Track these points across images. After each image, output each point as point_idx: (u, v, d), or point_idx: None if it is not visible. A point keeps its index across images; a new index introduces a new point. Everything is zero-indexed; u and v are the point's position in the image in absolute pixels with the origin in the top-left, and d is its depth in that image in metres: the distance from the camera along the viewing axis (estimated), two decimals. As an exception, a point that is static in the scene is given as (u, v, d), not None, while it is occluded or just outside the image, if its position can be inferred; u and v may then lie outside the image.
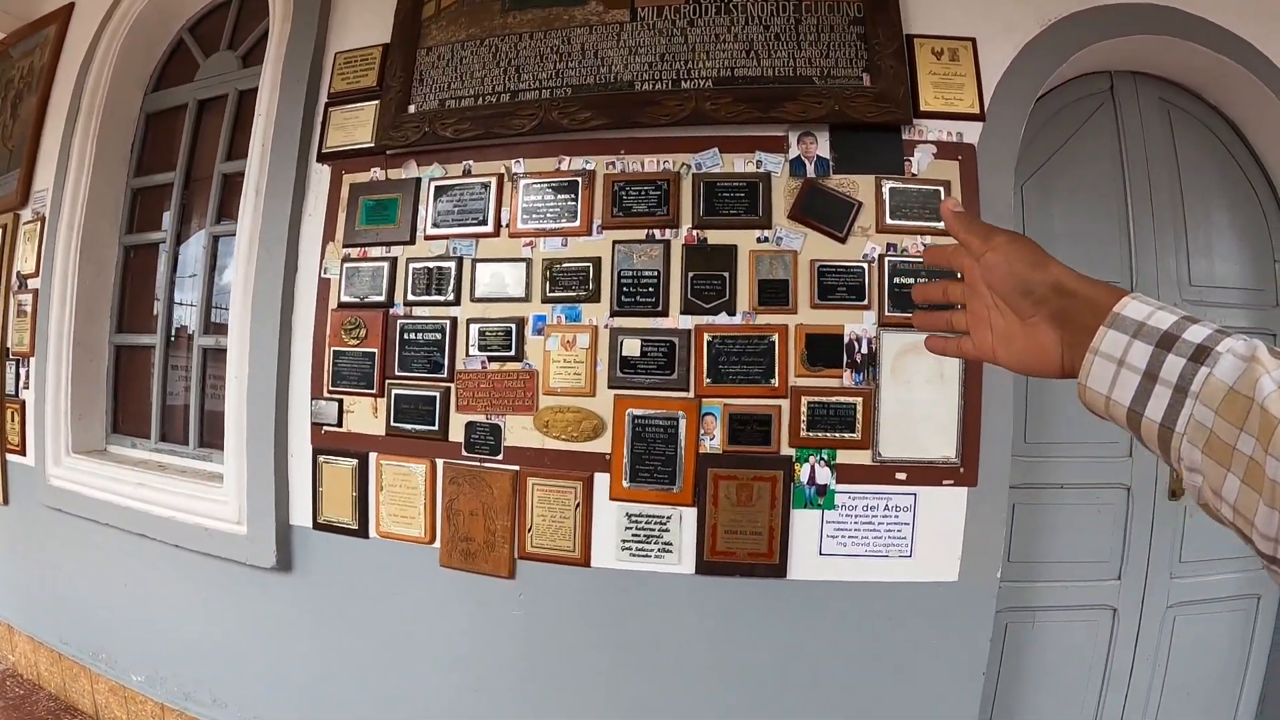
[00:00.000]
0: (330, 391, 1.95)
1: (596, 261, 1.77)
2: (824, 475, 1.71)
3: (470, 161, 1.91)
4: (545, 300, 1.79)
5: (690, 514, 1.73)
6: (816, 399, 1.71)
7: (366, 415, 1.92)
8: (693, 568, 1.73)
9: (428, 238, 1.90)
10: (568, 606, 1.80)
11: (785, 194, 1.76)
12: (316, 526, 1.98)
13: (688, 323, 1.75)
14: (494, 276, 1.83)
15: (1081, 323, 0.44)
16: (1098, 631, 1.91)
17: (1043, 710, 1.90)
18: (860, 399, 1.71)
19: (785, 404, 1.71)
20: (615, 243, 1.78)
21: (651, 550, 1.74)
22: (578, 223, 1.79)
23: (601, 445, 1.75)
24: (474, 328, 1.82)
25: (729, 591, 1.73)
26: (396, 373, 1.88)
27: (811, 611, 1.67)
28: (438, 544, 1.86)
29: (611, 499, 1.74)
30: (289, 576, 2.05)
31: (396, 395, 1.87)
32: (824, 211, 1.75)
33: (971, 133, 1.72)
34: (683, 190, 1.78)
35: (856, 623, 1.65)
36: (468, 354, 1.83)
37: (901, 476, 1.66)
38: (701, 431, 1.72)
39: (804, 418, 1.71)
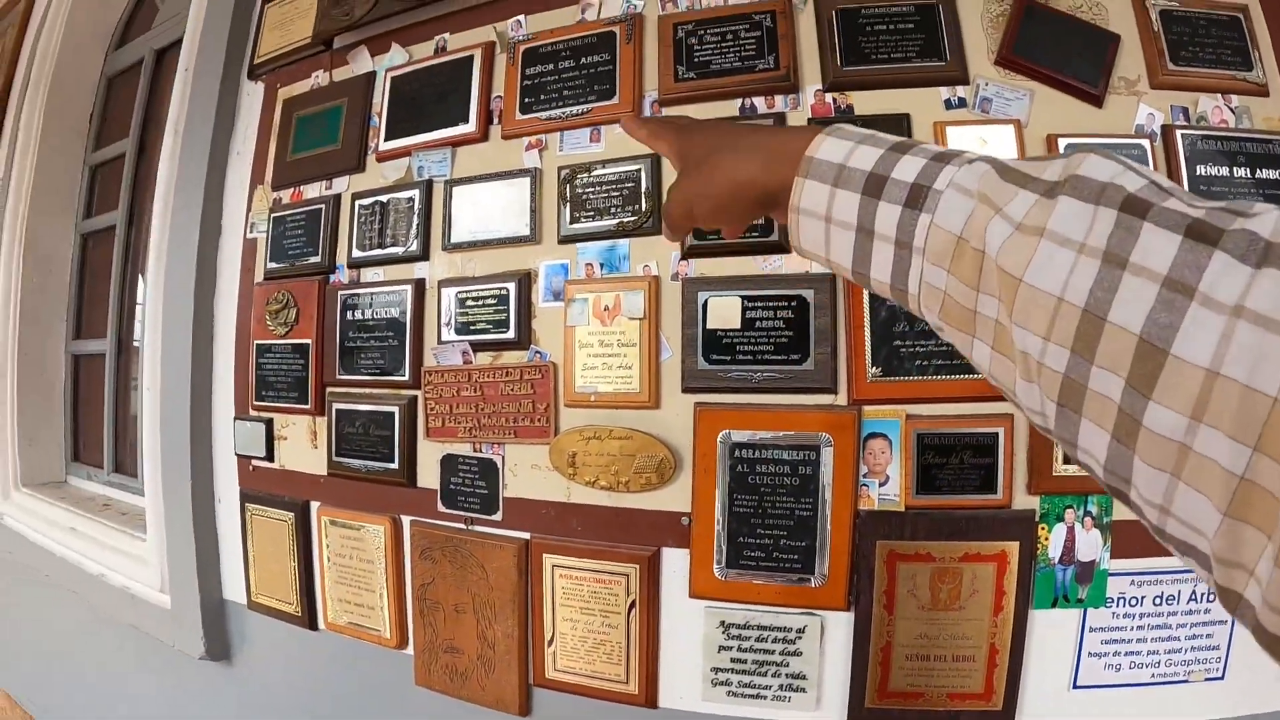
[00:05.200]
0: (255, 406, 1.21)
1: (653, 163, 0.92)
2: (1090, 544, 0.83)
3: (446, 35, 1.12)
4: (565, 238, 0.96)
5: (841, 623, 0.87)
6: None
7: (303, 442, 1.16)
8: (842, 717, 0.87)
9: (380, 157, 1.12)
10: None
11: (985, 23, 0.88)
12: (252, 606, 1.25)
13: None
14: (480, 205, 1.01)
15: (781, 176, 0.33)
16: None
17: None
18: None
19: (1018, 412, 0.81)
20: (683, 129, 0.92)
21: (769, 687, 0.88)
22: (615, 98, 0.95)
23: (674, 498, 0.91)
24: (449, 294, 1.02)
25: (922, 770, 0.86)
26: (338, 375, 1.11)
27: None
28: (410, 650, 1.08)
29: (694, 595, 0.90)
30: (229, 669, 1.33)
31: (338, 412, 1.10)
32: (1057, 50, 0.87)
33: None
34: (800, 26, 0.91)
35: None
36: (440, 339, 1.03)
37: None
38: (864, 470, 0.85)
39: (1074, 439, 0.80)
